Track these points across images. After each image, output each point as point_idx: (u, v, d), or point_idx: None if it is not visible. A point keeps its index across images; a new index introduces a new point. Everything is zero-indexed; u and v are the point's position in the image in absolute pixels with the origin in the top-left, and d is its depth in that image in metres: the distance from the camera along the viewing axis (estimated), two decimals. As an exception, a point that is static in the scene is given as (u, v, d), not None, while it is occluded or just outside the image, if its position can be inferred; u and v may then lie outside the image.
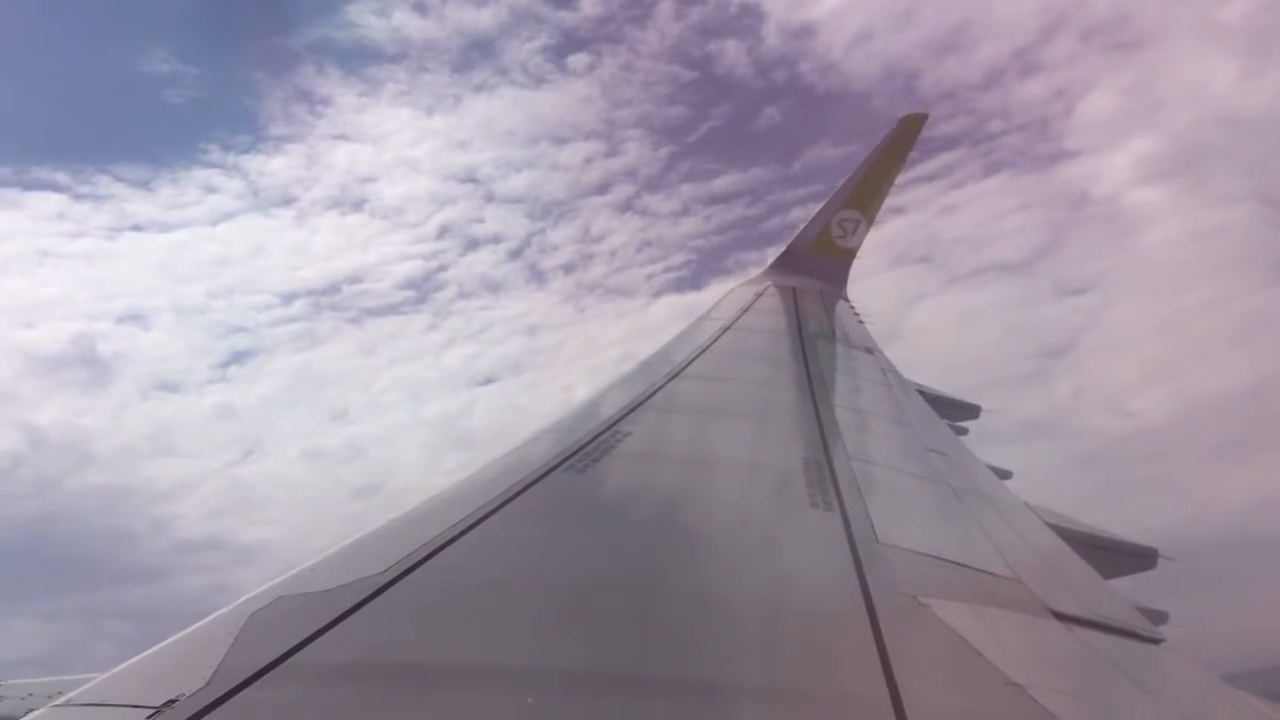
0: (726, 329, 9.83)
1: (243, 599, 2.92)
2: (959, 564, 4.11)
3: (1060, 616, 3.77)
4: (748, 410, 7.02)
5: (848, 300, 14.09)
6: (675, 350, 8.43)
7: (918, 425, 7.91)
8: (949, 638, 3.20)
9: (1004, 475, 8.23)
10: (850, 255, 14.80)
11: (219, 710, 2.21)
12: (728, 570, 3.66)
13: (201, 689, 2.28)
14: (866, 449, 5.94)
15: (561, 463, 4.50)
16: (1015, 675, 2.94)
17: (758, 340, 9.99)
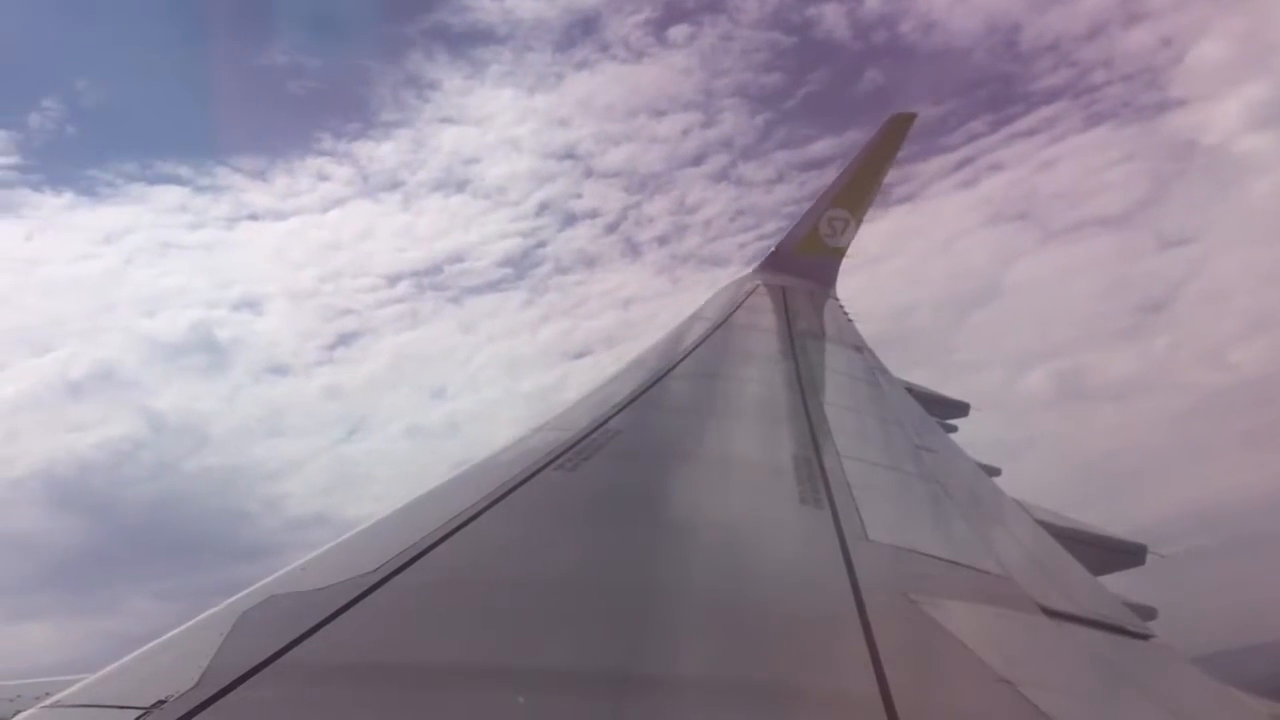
0: (716, 328, 9.84)
1: (232, 599, 2.91)
2: (949, 561, 4.13)
3: (1050, 613, 3.78)
4: (738, 408, 7.03)
5: (837, 299, 14.12)
6: (666, 349, 8.44)
7: (907, 423, 7.93)
8: (939, 635, 3.21)
9: (993, 472, 8.25)
10: (840, 254, 14.83)
11: (208, 711, 2.20)
12: (718, 568, 3.67)
13: (191, 689, 2.27)
14: (856, 446, 5.95)
15: (551, 461, 4.50)
16: (1005, 672, 2.95)
17: (747, 339, 10.00)
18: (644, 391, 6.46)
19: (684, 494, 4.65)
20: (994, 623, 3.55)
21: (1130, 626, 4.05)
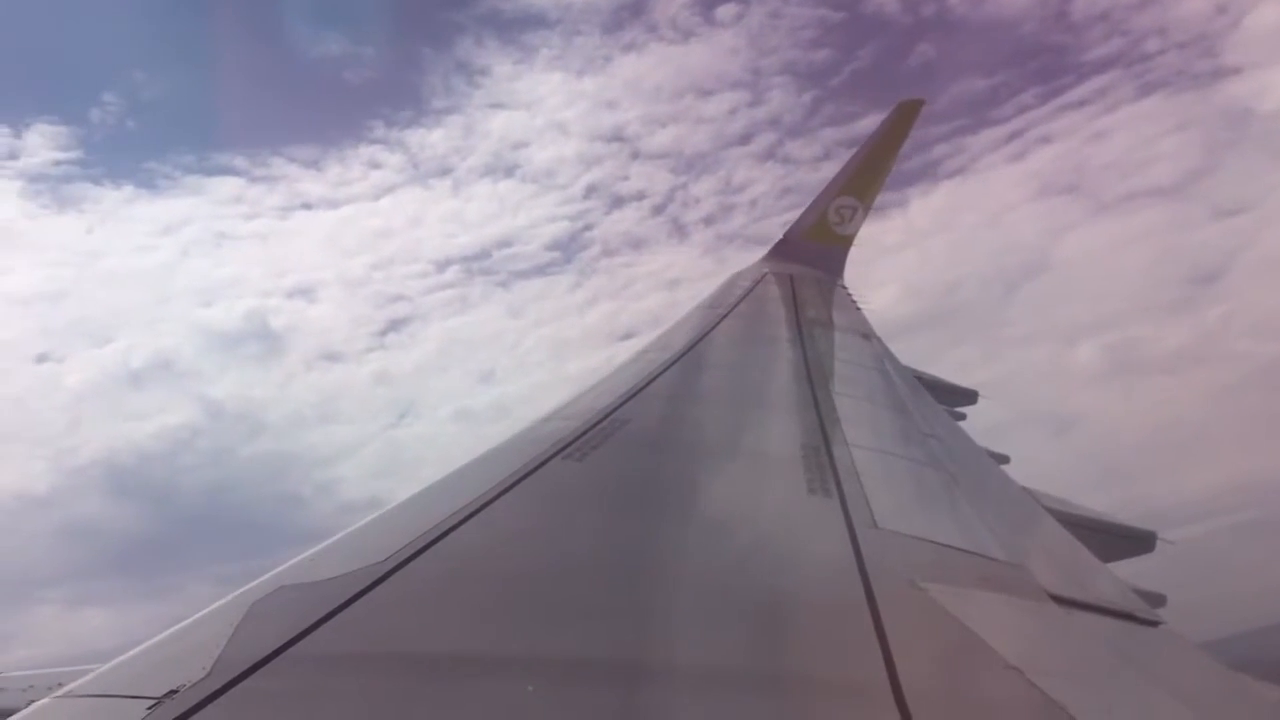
0: (724, 317, 9.84)
1: (242, 589, 2.92)
2: (957, 549, 4.13)
3: (1058, 600, 3.78)
4: (745, 398, 7.03)
5: (845, 287, 14.10)
6: (673, 338, 8.44)
7: (915, 411, 7.93)
8: (947, 622, 3.21)
9: (1001, 460, 8.25)
10: (848, 242, 14.80)
11: (220, 701, 2.22)
12: (726, 557, 3.67)
13: (202, 679, 2.29)
14: (864, 435, 5.95)
15: (560, 451, 4.51)
16: (1013, 659, 2.95)
17: (755, 328, 10.00)
18: (652, 380, 6.47)
19: (692, 483, 4.65)
20: (1002, 610, 3.56)
21: (1139, 613, 4.05)
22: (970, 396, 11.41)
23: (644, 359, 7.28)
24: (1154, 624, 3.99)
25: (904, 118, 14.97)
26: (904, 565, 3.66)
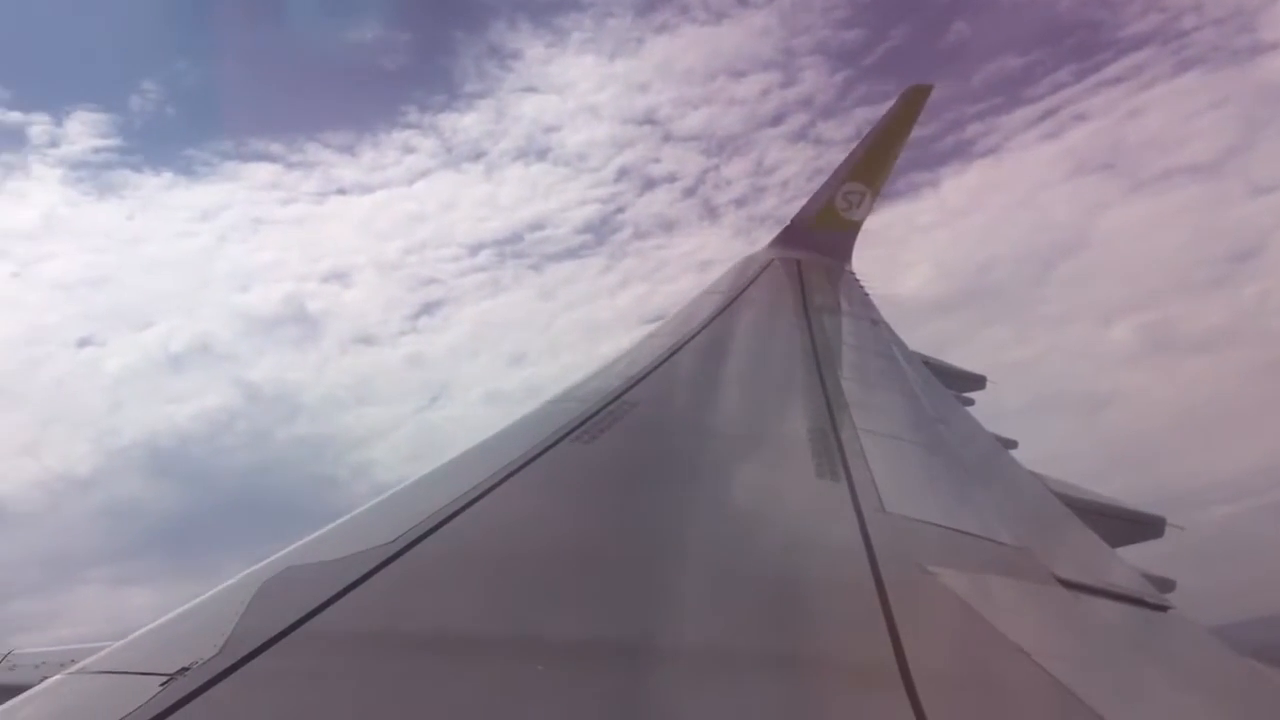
0: (732, 302, 9.82)
1: (252, 568, 2.94)
2: (965, 533, 4.13)
3: (1066, 584, 3.78)
4: (754, 382, 7.03)
5: (853, 273, 14.07)
6: (681, 323, 8.43)
7: (923, 396, 7.92)
8: (955, 605, 3.22)
9: (1009, 445, 8.24)
10: (855, 228, 14.74)
11: (231, 678, 2.23)
12: (735, 540, 3.68)
13: (213, 657, 2.30)
14: (872, 419, 5.94)
15: (569, 433, 4.51)
16: (1021, 642, 2.95)
17: (763, 313, 9.98)
18: (660, 364, 6.47)
19: (701, 467, 4.66)
20: (1010, 594, 3.56)
21: (1147, 598, 4.05)
22: (979, 381, 11.38)
23: (652, 343, 7.28)
24: (1163, 608, 3.98)
25: (912, 103, 14.88)
26: (912, 549, 3.66)
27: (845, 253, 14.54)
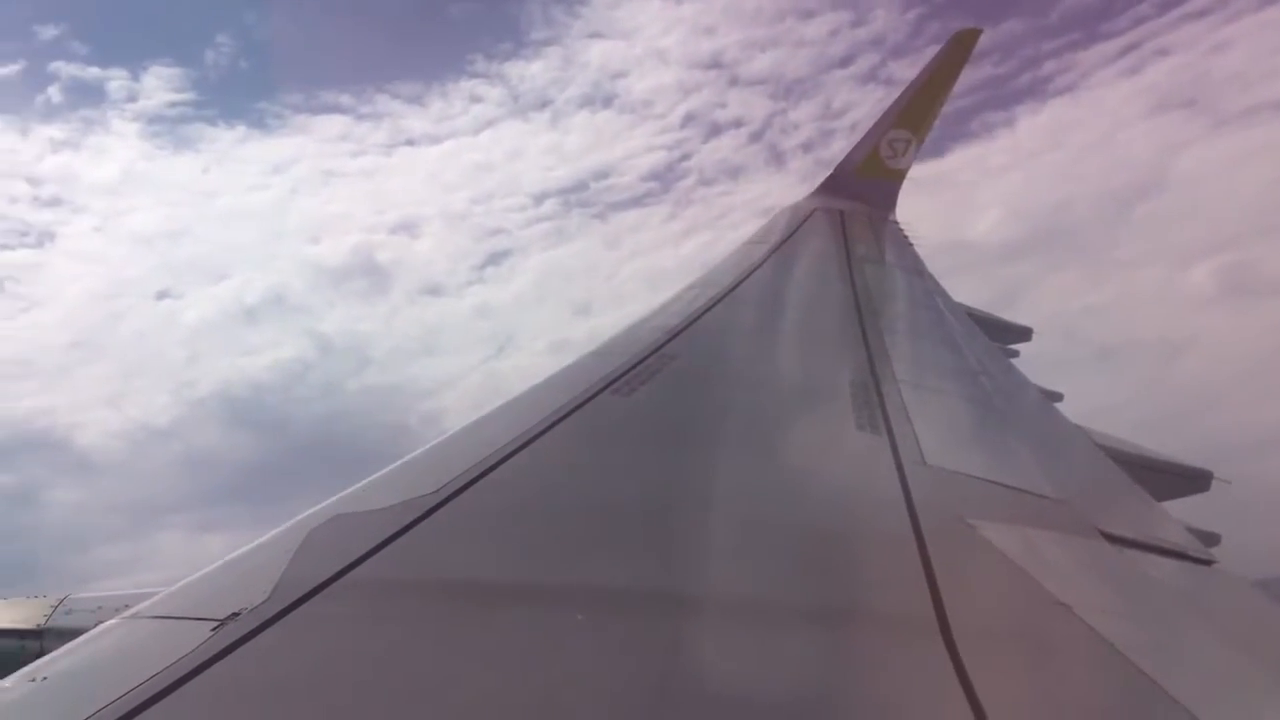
0: (773, 252, 9.75)
1: (300, 516, 2.99)
2: (1007, 486, 4.10)
3: (1110, 538, 3.75)
4: (794, 334, 6.99)
5: (896, 222, 13.87)
6: (721, 274, 8.38)
7: (966, 348, 7.84)
8: (996, 559, 3.20)
9: (1055, 397, 8.15)
10: (900, 176, 14.51)
11: (279, 623, 2.28)
12: (775, 492, 3.68)
13: (263, 603, 2.35)
14: (914, 371, 5.90)
15: (608, 385, 4.52)
16: (1062, 596, 2.94)
17: (804, 264, 9.90)
18: (700, 316, 6.45)
19: (740, 419, 4.65)
20: (1052, 547, 3.54)
21: (1192, 552, 4.01)
22: (1024, 333, 11.24)
23: (692, 295, 7.25)
24: (1207, 562, 3.95)
25: (960, 48, 14.55)
26: (953, 502, 3.65)
27: (890, 202, 14.33)
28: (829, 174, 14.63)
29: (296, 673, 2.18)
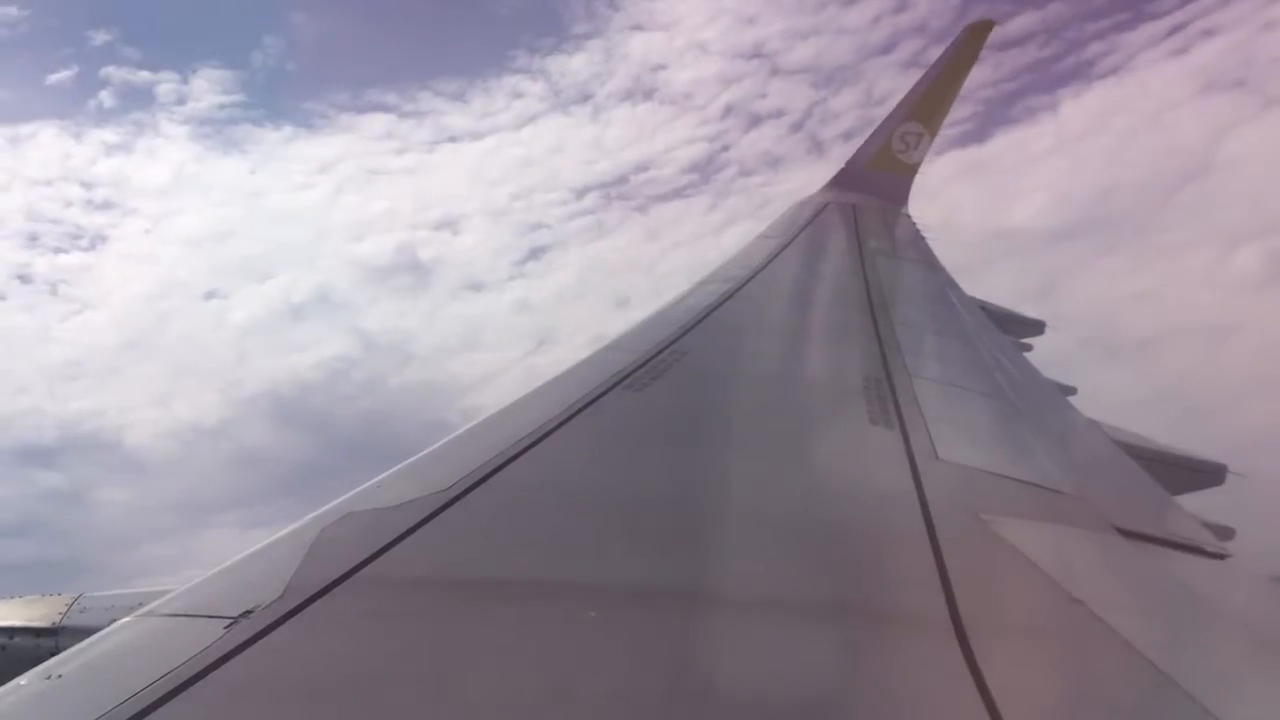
0: (785, 247, 9.72)
1: (312, 515, 3.00)
2: (1021, 481, 4.08)
3: (1124, 533, 3.73)
4: (807, 329, 6.97)
5: (909, 215, 13.82)
6: (733, 269, 8.37)
7: (980, 342, 7.81)
8: (1009, 554, 3.19)
9: (1069, 391, 8.11)
10: (913, 170, 14.45)
11: (292, 621, 2.29)
12: (788, 487, 3.68)
13: (275, 601, 2.36)
14: (927, 366, 5.88)
15: (620, 381, 4.52)
16: (1077, 592, 2.93)
17: (816, 258, 9.87)
18: (712, 311, 6.44)
19: (752, 414, 4.65)
20: (1066, 543, 3.52)
21: (1206, 546, 3.99)
22: (1038, 327, 11.19)
23: (704, 290, 7.24)
24: (1221, 557, 3.92)
25: (973, 40, 14.47)
26: (966, 497, 3.64)
27: (902, 195, 14.27)
28: (841, 167, 14.58)
29: (309, 670, 2.19)
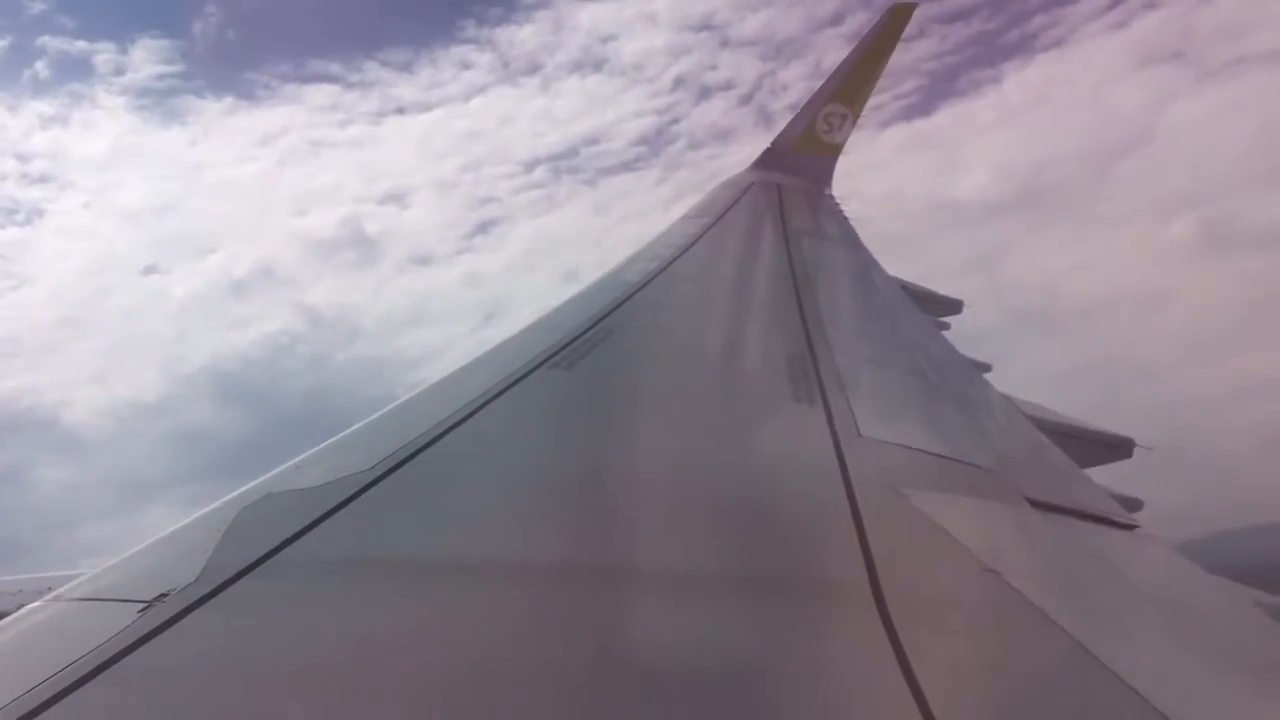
0: (710, 227, 9.77)
1: (229, 496, 2.94)
2: (939, 456, 4.17)
3: (1037, 505, 3.84)
4: (732, 307, 7.02)
5: (833, 196, 13.99)
6: (661, 247, 8.39)
7: (900, 320, 7.94)
8: (928, 526, 3.26)
9: (984, 369, 8.30)
10: (836, 150, 14.61)
11: (208, 604, 2.24)
12: (712, 463, 3.70)
13: (191, 584, 2.31)
14: (849, 344, 5.96)
15: (546, 360, 4.51)
16: (992, 562, 3.00)
17: (741, 238, 9.94)
18: (638, 290, 6.45)
19: (678, 392, 4.67)
20: (981, 515, 3.61)
21: (1116, 517, 4.12)
22: (955, 306, 11.42)
23: (630, 268, 7.24)
24: (1130, 527, 4.06)
25: (895, 22, 14.64)
26: (887, 472, 3.70)
27: (826, 176, 14.43)
28: (766, 148, 14.68)
29: (225, 654, 2.14)
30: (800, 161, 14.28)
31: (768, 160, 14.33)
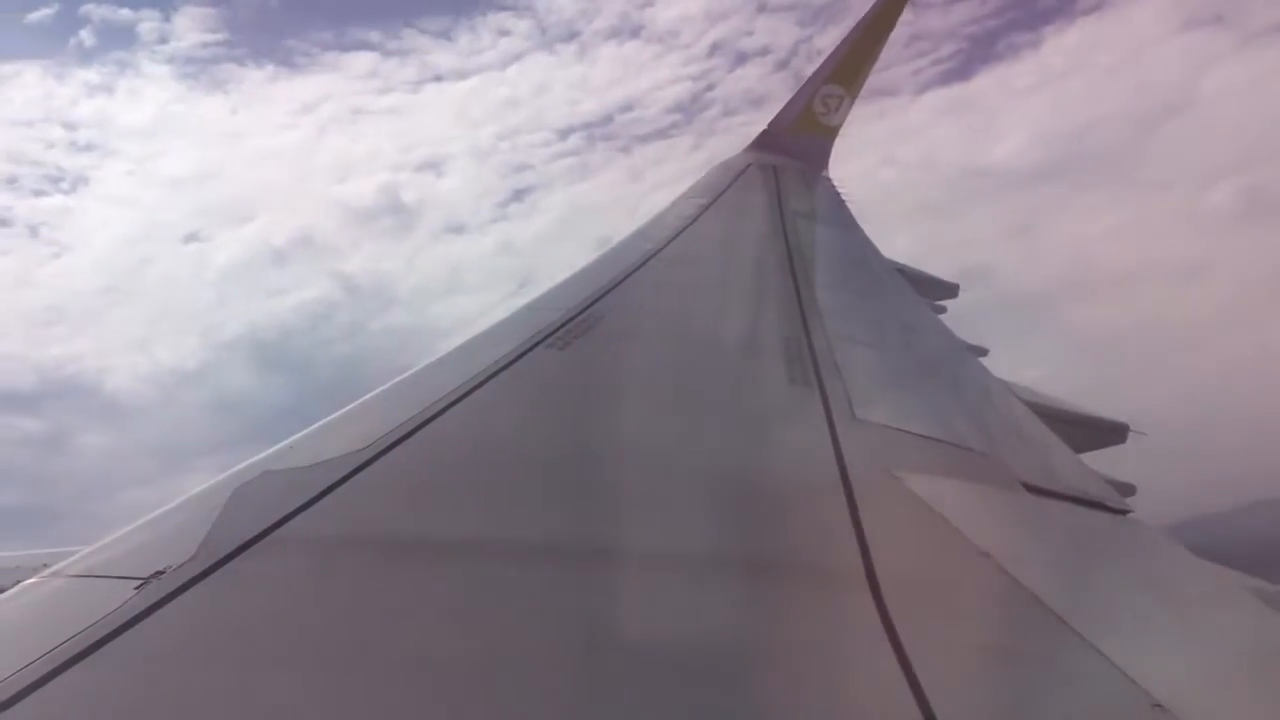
0: (706, 208, 9.74)
1: (225, 474, 2.94)
2: (933, 439, 4.18)
3: (1031, 489, 3.85)
4: (728, 289, 7.02)
5: (830, 178, 13.94)
6: (655, 230, 8.36)
7: (897, 304, 7.94)
8: (921, 509, 3.27)
9: (980, 352, 8.31)
10: (833, 133, 14.54)
11: (204, 582, 2.25)
12: (708, 445, 3.71)
13: (187, 561, 2.31)
14: (845, 327, 5.96)
15: (542, 340, 4.50)
16: (985, 545, 3.02)
17: (738, 220, 9.91)
18: (634, 272, 6.43)
19: (674, 373, 4.67)
20: (975, 498, 3.63)
21: (1109, 502, 4.14)
22: (951, 290, 11.42)
23: (627, 250, 7.23)
24: (1123, 512, 4.08)
25: (892, 4, 14.57)
26: (881, 454, 3.71)
27: (823, 158, 14.36)
28: (763, 129, 14.62)
29: (220, 631, 2.15)
30: (797, 143, 14.21)
31: (764, 142, 14.26)
